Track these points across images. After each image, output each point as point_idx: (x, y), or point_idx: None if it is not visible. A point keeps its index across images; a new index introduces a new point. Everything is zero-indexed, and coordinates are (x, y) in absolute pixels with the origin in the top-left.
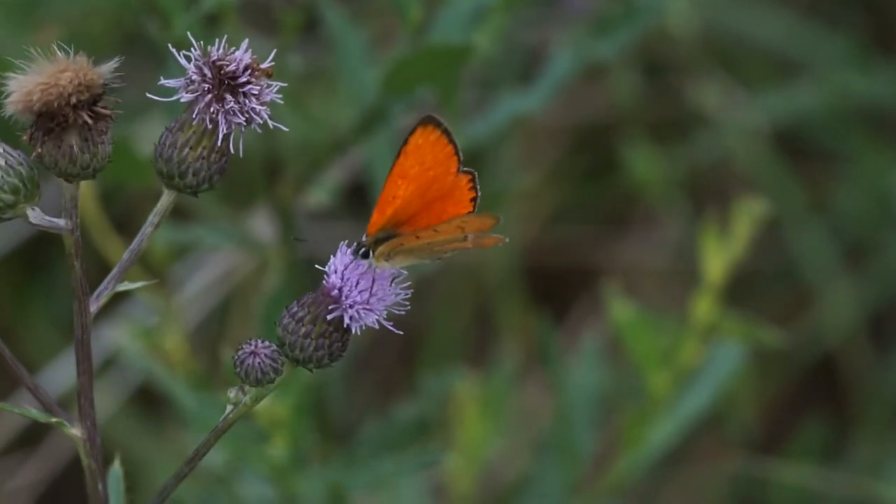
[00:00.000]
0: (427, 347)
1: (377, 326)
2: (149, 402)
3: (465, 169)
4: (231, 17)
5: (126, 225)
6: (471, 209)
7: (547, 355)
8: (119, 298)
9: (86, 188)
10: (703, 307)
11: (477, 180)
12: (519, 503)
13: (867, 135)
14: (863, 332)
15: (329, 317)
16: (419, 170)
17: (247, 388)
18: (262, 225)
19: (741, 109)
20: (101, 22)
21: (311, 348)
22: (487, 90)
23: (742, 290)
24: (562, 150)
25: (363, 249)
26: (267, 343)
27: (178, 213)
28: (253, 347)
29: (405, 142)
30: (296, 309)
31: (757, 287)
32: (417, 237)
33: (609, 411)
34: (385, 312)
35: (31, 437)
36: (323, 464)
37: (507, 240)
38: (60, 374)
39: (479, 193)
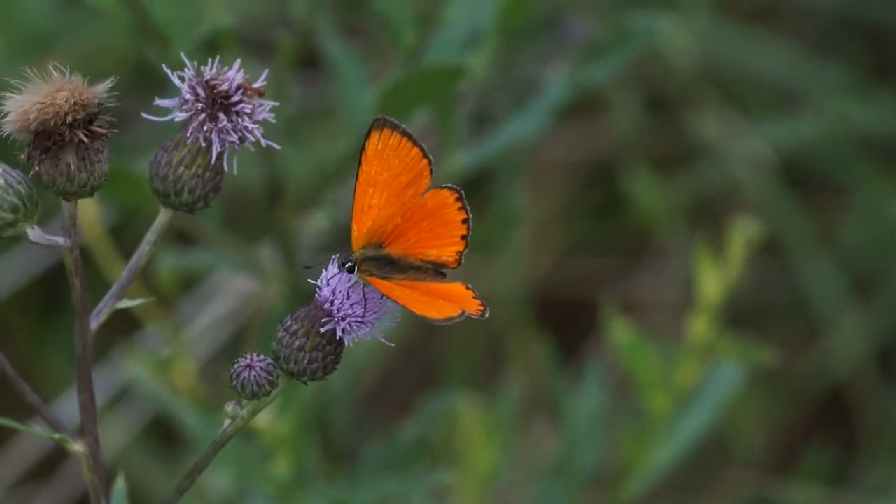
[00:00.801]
0: (440, 377)
1: (369, 339)
2: (163, 434)
3: (451, 186)
4: (230, 44)
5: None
6: (464, 232)
7: (551, 380)
8: (132, 330)
9: (94, 212)
10: (700, 328)
11: (465, 199)
12: None
13: (870, 164)
14: (872, 361)
15: (322, 329)
16: (388, 176)
17: (244, 401)
18: (266, 251)
19: (743, 139)
20: (112, 59)
21: (305, 361)
22: (488, 122)
23: (751, 321)
24: (572, 185)
25: (349, 265)
26: (262, 356)
27: (185, 240)
28: (248, 361)
29: (363, 147)
30: (290, 322)
31: (766, 318)
32: (410, 286)
33: (613, 434)
34: (377, 325)
35: (47, 466)
36: (327, 483)
37: (487, 315)
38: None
39: (471, 214)
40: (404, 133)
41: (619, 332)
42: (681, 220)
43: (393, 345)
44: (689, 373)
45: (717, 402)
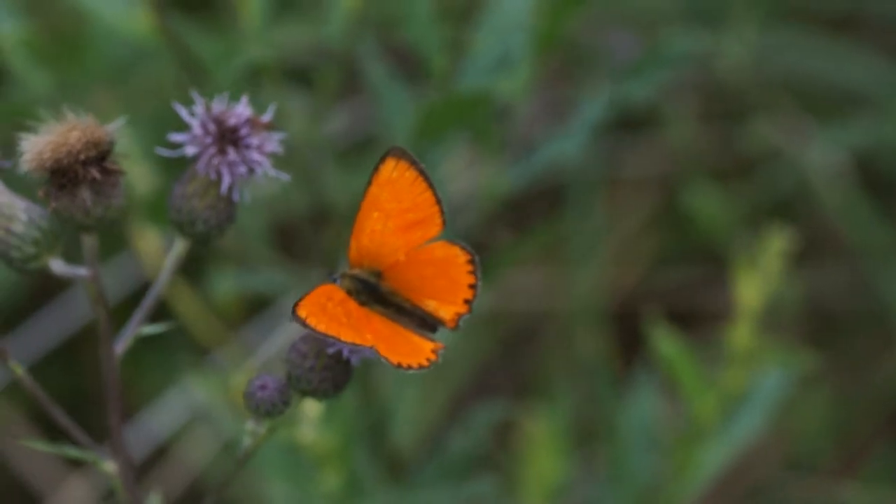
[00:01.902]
0: (535, 389)
1: (373, 357)
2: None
3: (465, 246)
4: (271, 74)
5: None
6: (468, 296)
7: (603, 389)
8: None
9: (156, 243)
10: (741, 336)
11: (477, 264)
12: None
13: None
14: None
15: (330, 350)
16: (397, 208)
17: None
18: (315, 274)
19: (814, 145)
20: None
21: (316, 381)
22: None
23: (828, 332)
24: (653, 199)
25: (332, 277)
26: (275, 377)
27: (241, 264)
28: (262, 381)
29: (376, 170)
30: (300, 344)
31: (844, 328)
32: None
33: (664, 440)
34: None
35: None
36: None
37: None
38: (163, 418)
39: (479, 281)
40: (421, 172)
41: (664, 342)
42: (751, 228)
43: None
44: (734, 380)
45: (764, 408)
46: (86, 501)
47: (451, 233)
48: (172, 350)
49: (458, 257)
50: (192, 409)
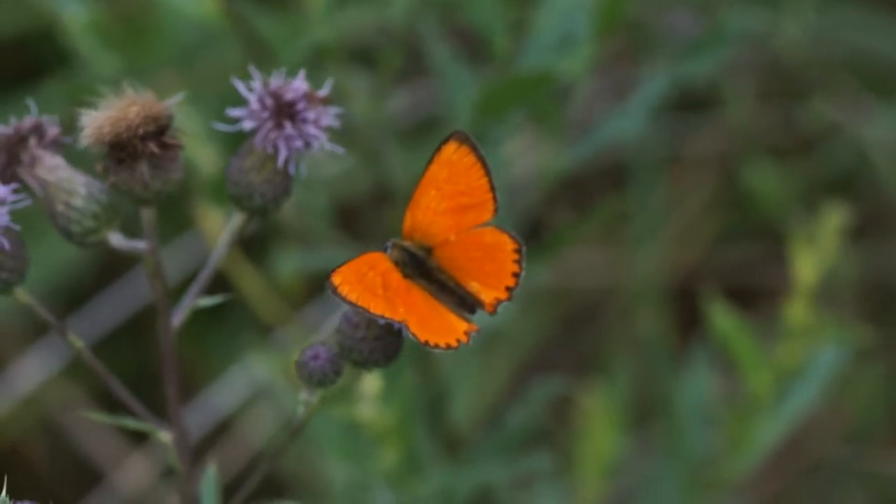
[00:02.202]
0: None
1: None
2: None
3: (514, 236)
4: (335, 55)
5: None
6: (511, 283)
7: (660, 365)
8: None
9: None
10: (798, 311)
11: (524, 253)
12: (640, 502)
13: None
14: None
15: (381, 321)
16: (452, 189)
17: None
18: None
19: (876, 121)
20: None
21: (367, 351)
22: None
23: (889, 308)
24: (716, 178)
25: (385, 245)
26: (328, 347)
27: (304, 243)
28: (314, 352)
29: (438, 149)
30: (351, 314)
31: None
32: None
33: (720, 416)
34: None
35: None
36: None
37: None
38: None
39: (523, 271)
40: (480, 159)
41: (720, 317)
42: (810, 206)
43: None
44: (790, 354)
45: (819, 382)
46: (147, 478)
47: (512, 212)
48: (237, 329)
49: (506, 244)
50: (255, 386)
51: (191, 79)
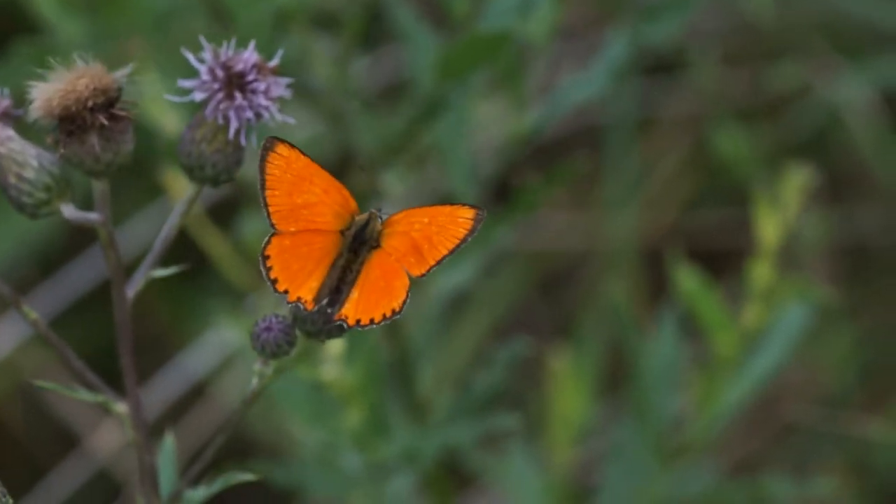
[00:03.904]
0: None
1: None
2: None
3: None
4: (298, 19)
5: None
6: None
7: (625, 328)
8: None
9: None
10: (761, 272)
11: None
12: (609, 469)
13: None
14: None
15: None
16: None
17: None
18: None
19: (844, 82)
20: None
21: (321, 322)
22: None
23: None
24: (689, 142)
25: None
26: (280, 318)
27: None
28: (267, 323)
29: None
30: None
31: (877, 266)
32: None
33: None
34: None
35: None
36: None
37: None
38: (199, 360)
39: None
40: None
41: (685, 278)
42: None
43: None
44: (754, 315)
45: (784, 343)
46: (123, 441)
47: (481, 178)
48: (211, 295)
49: None
50: (228, 350)
51: (162, 46)
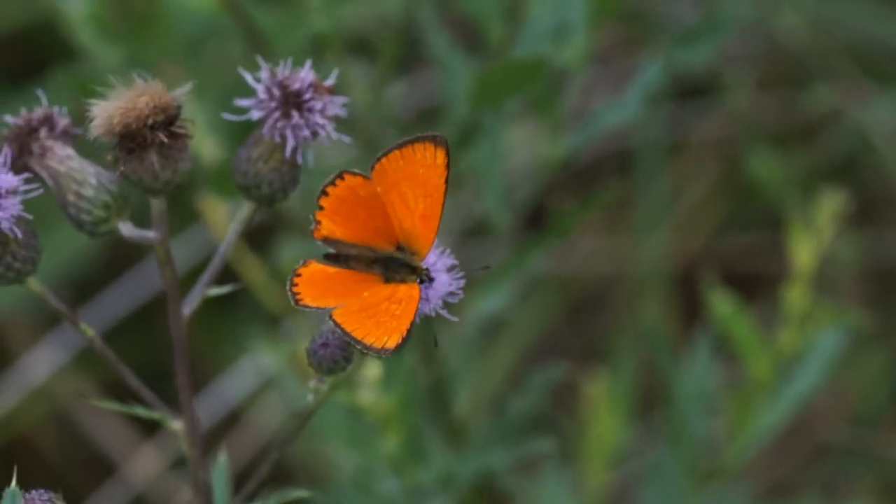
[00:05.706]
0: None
1: (433, 315)
2: None
3: None
4: (333, 46)
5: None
6: None
7: (659, 353)
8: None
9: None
10: (795, 296)
11: None
12: (643, 492)
13: None
14: None
15: None
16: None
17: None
18: None
19: (876, 107)
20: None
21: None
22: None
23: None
24: (720, 166)
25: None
26: (337, 334)
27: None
28: (324, 339)
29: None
30: None
31: None
32: None
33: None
34: (441, 302)
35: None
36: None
37: None
38: (235, 385)
39: None
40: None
41: (720, 302)
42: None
43: (457, 319)
44: (789, 339)
45: (819, 368)
46: (157, 469)
47: (514, 202)
48: (246, 320)
49: None
50: (264, 376)
51: (193, 70)
